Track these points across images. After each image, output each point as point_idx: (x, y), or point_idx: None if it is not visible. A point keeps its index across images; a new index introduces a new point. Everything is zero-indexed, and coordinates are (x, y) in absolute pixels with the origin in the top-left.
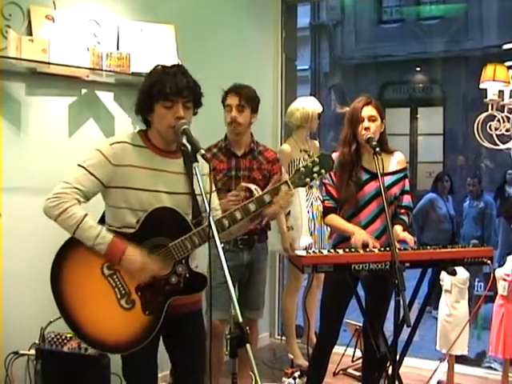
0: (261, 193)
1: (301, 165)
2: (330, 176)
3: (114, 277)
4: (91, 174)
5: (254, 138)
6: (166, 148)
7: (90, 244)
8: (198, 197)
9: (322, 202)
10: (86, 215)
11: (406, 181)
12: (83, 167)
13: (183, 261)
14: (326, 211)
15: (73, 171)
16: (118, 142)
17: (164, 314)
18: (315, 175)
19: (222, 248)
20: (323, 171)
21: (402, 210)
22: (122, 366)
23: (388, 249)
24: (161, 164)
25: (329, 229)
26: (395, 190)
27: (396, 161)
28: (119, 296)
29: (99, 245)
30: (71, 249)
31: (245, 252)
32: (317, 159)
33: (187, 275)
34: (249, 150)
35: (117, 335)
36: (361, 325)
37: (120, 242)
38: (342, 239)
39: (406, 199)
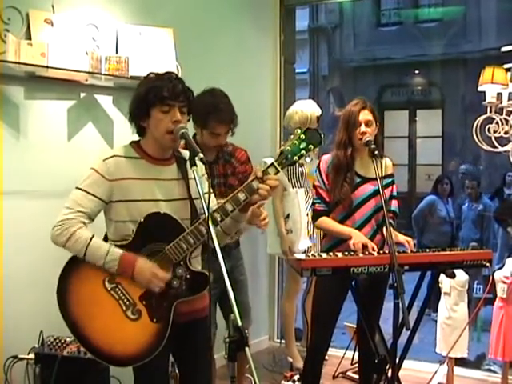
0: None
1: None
2: (322, 179)
3: (117, 289)
4: (90, 194)
5: None
6: (160, 156)
7: (101, 264)
8: (195, 201)
9: (313, 204)
10: (92, 236)
11: (394, 186)
12: (81, 189)
13: (181, 263)
14: (317, 214)
15: (72, 195)
16: (111, 157)
17: (172, 318)
18: (303, 152)
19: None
20: (311, 146)
21: (390, 215)
22: (134, 378)
23: (387, 251)
24: (156, 173)
25: None
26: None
27: (385, 166)
28: (124, 308)
29: (109, 263)
30: (72, 269)
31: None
32: (303, 135)
33: (188, 276)
34: (220, 153)
35: (129, 347)
36: None
37: (129, 256)
38: (336, 242)
39: (393, 204)
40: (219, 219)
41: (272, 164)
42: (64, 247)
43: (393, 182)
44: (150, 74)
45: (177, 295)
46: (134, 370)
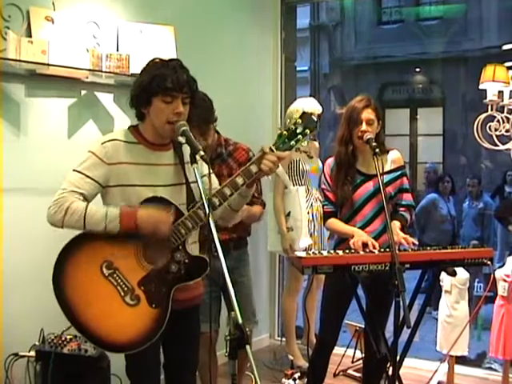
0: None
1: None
2: (327, 181)
3: (114, 275)
4: (87, 176)
5: (221, 137)
6: (158, 142)
7: (103, 227)
8: (192, 185)
9: (322, 206)
10: (87, 205)
11: (405, 179)
12: (78, 171)
13: (180, 247)
14: (326, 216)
15: (68, 177)
16: (110, 140)
17: (171, 303)
18: (300, 136)
19: None
20: (307, 131)
21: (403, 208)
22: (126, 365)
23: (388, 249)
24: (154, 158)
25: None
26: (390, 189)
27: (391, 159)
28: (123, 293)
29: (111, 223)
30: (68, 256)
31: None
32: (299, 120)
33: (186, 261)
34: (216, 154)
35: (128, 333)
36: (361, 326)
37: (128, 209)
38: (341, 239)
39: (406, 197)
40: (217, 203)
41: (270, 149)
42: (62, 225)
43: (402, 175)
44: (156, 59)
45: (175, 280)
46: (125, 357)
